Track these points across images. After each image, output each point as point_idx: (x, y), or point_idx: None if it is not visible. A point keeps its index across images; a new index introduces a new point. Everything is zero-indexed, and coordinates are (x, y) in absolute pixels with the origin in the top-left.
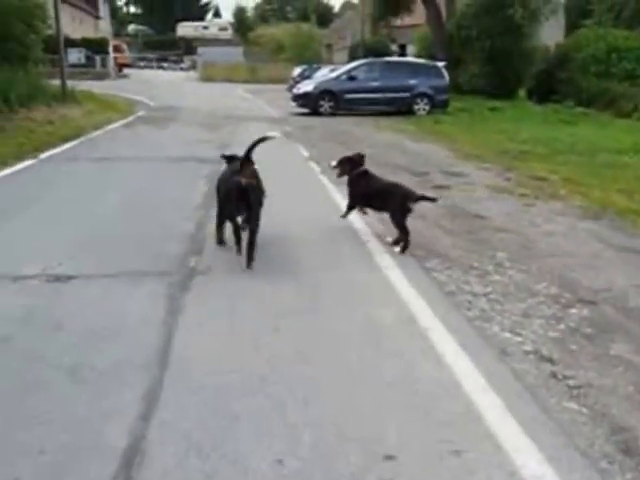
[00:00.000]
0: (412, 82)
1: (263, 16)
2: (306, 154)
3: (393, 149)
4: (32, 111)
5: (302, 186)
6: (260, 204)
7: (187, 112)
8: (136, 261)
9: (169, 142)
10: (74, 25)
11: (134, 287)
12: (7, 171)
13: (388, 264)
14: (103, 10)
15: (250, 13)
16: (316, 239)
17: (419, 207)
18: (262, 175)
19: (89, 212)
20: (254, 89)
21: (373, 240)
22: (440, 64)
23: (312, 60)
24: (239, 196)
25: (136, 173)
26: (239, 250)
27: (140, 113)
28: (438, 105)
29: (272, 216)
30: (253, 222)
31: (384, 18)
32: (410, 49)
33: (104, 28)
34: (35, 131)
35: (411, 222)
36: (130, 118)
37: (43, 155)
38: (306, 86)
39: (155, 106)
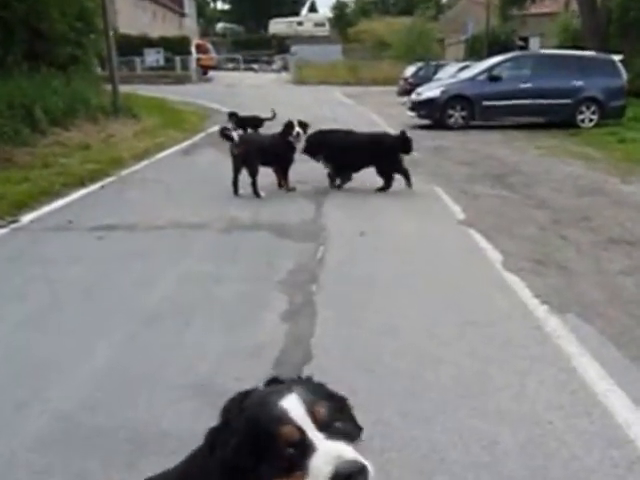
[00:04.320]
0: (576, 83)
1: (364, 10)
2: (457, 212)
3: (601, 198)
4: (71, 130)
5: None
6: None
7: (270, 128)
8: None
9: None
10: (155, 23)
11: None
12: None
13: None
14: (189, 7)
15: (350, 8)
16: None
17: None
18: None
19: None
20: (356, 93)
21: None
22: (616, 57)
23: (424, 57)
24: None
25: (154, 271)
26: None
27: (211, 129)
28: (610, 114)
29: None
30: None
31: (516, 3)
32: (533, 42)
33: (190, 26)
34: (52, 165)
35: None
36: (196, 137)
37: (27, 217)
38: (430, 90)
39: None
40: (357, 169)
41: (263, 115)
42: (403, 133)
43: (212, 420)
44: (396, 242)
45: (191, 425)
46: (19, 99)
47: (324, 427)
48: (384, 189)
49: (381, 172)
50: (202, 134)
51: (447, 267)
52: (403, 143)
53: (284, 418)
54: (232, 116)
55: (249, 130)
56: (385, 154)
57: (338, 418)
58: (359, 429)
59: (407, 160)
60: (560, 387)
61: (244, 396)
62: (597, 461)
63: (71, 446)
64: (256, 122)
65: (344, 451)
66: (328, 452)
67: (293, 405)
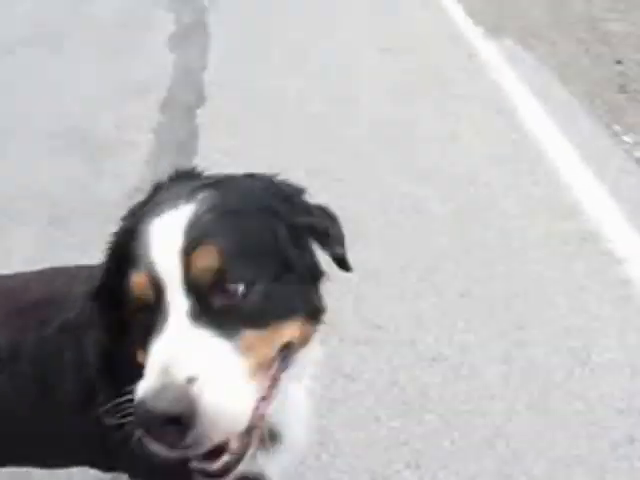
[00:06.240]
0: None
1: None
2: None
3: None
4: None
5: None
6: None
7: None
8: None
9: None
10: None
11: None
12: None
13: None
14: None
15: None
16: None
17: None
18: None
19: None
20: None
21: None
22: None
23: None
24: None
25: None
26: None
27: None
28: None
29: None
30: None
31: None
32: None
33: None
34: None
35: None
36: None
37: None
38: None
39: None
40: None
41: None
42: None
43: (93, 178)
44: None
45: (67, 190)
46: None
47: (204, 290)
48: None
49: None
50: None
51: None
52: None
53: (140, 258)
54: None
55: None
56: None
57: (259, 274)
58: (321, 302)
59: None
60: (499, 136)
61: (130, 212)
62: (542, 235)
63: None
64: None
65: (180, 369)
66: (161, 353)
67: (165, 234)
